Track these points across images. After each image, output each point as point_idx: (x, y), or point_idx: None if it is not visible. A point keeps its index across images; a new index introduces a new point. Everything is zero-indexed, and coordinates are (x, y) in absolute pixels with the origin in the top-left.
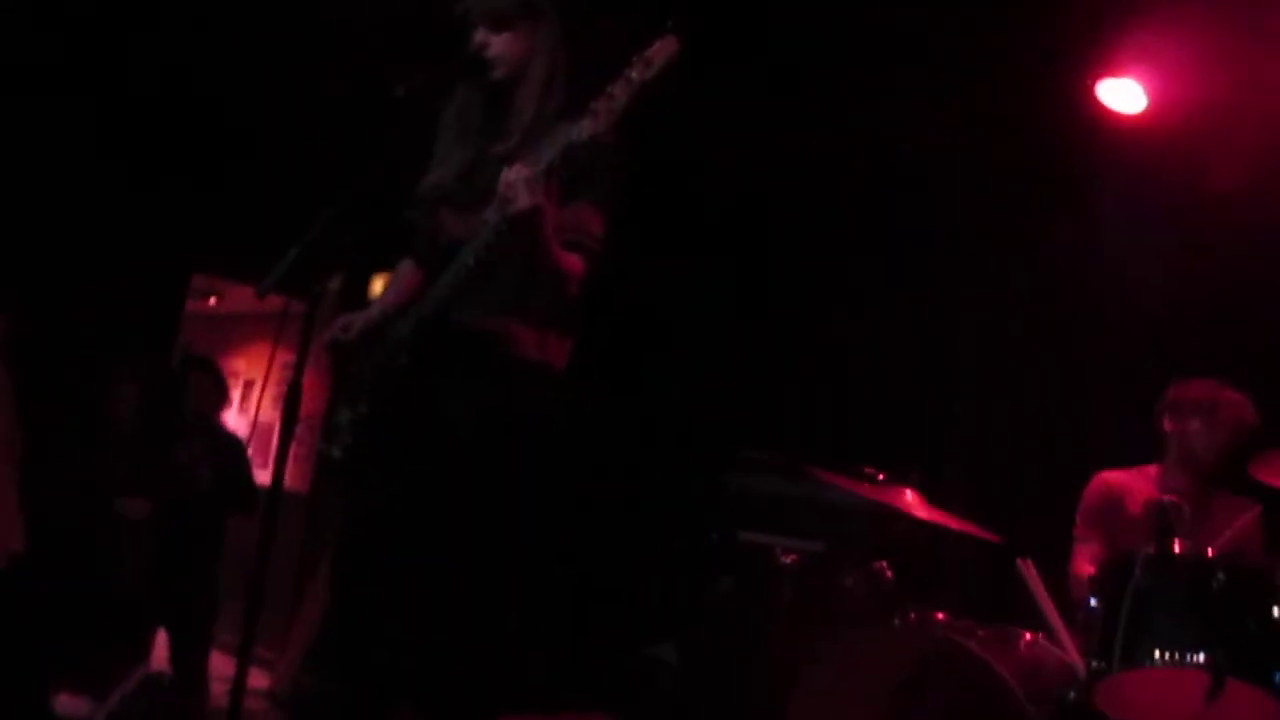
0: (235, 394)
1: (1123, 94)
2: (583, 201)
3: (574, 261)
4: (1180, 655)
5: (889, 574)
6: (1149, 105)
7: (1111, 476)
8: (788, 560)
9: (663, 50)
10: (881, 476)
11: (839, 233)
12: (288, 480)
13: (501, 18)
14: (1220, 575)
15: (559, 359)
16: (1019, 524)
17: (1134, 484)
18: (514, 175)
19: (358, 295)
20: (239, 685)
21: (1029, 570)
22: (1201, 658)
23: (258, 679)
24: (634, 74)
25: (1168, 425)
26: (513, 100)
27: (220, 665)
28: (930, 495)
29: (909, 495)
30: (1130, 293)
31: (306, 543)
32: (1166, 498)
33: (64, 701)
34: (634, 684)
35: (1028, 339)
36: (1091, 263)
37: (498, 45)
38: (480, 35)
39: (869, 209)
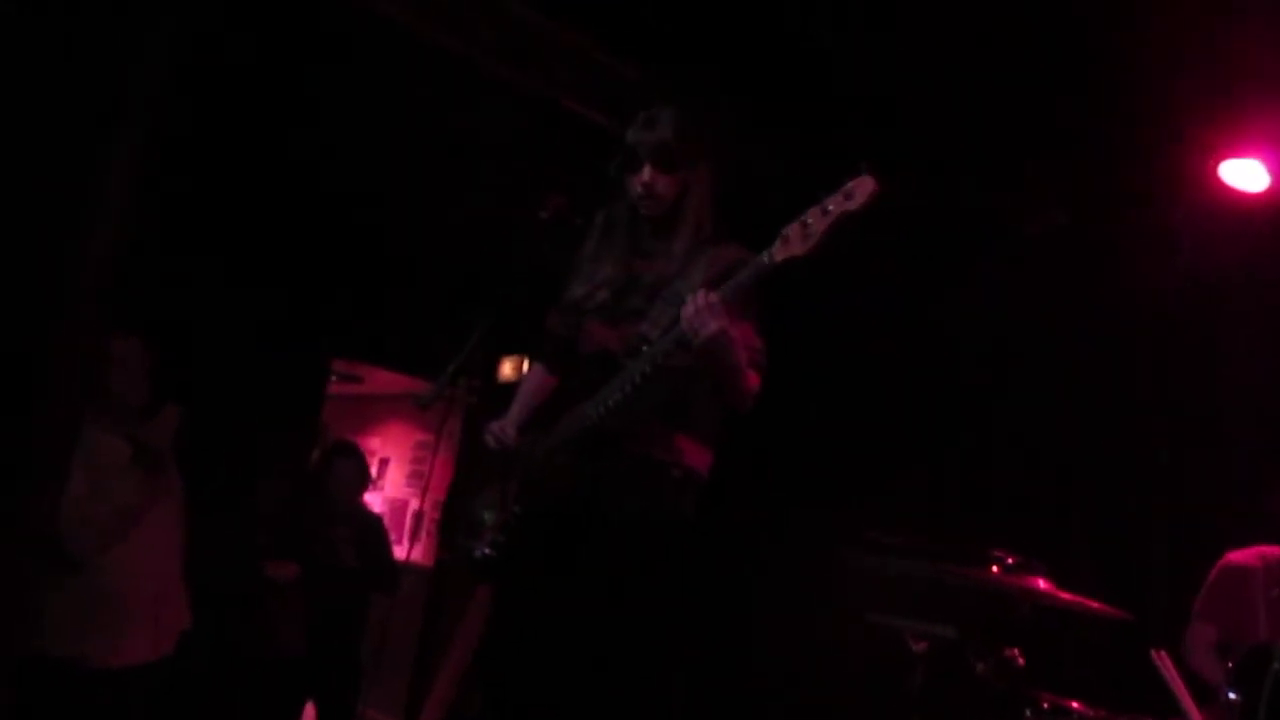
0: (372, 471)
1: (1246, 173)
2: (747, 322)
3: (754, 379)
4: None
5: (1021, 660)
6: (1272, 183)
7: (1237, 557)
8: (919, 646)
9: (863, 188)
10: (1011, 560)
11: (963, 311)
12: (417, 555)
13: (670, 161)
14: None
15: (706, 466)
16: (1149, 609)
17: (1258, 564)
18: (699, 303)
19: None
20: None
21: (1164, 662)
22: None
23: None
24: (831, 205)
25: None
26: (665, 228)
27: None
28: (1059, 580)
29: (1040, 580)
30: (1257, 369)
31: (430, 617)
32: None
33: None
34: None
35: (1153, 417)
36: (1217, 340)
37: (662, 185)
38: (648, 174)
39: (989, 288)
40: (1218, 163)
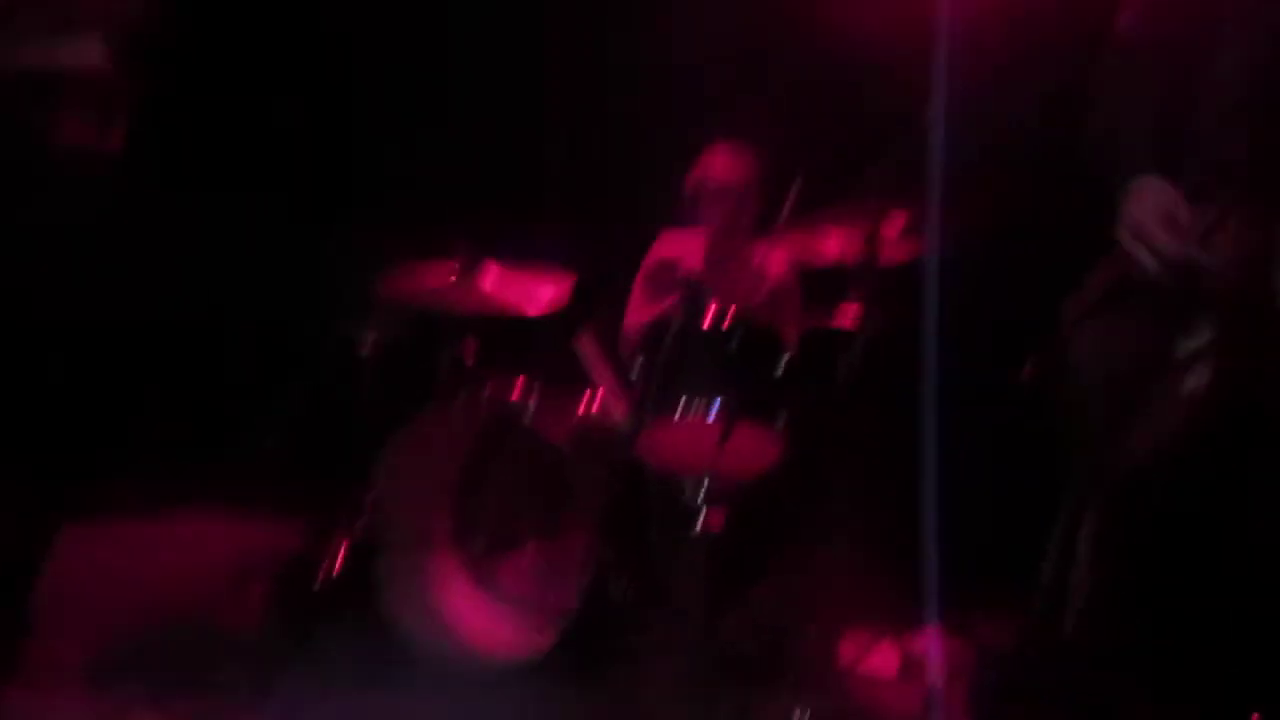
0: None
1: None
2: None
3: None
4: (701, 406)
5: (473, 351)
6: None
7: (671, 238)
8: (370, 342)
9: None
10: (466, 254)
11: None
12: None
13: None
14: (737, 337)
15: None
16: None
17: (689, 244)
18: None
19: None
20: None
21: (587, 344)
22: (717, 407)
23: None
24: None
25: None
26: None
27: None
28: (514, 268)
29: (492, 271)
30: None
31: None
32: (698, 269)
33: None
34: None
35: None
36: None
37: None
38: None
39: None
40: None
